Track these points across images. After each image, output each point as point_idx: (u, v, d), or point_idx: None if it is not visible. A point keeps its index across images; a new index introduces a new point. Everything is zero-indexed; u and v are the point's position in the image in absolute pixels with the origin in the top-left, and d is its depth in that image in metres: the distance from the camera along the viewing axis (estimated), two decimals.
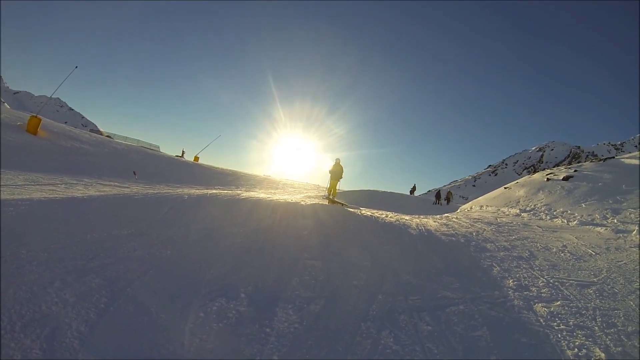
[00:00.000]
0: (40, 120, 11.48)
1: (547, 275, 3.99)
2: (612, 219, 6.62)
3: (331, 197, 10.59)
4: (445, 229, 6.39)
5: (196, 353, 2.32)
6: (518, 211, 8.81)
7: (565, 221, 7.17)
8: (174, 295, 2.92)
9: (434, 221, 7.47)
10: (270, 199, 6.79)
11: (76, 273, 2.94)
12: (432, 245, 5.22)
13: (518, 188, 10.90)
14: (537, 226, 6.82)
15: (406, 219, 7.20)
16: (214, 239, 4.21)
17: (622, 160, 10.88)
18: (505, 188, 11.92)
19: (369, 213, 7.26)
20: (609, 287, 3.61)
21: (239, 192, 8.24)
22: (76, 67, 13.50)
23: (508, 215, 8.81)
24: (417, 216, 8.95)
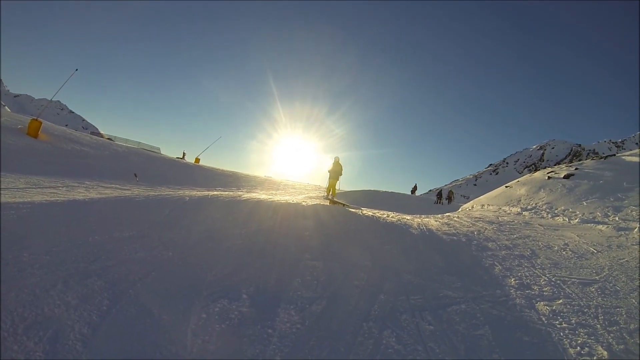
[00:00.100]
0: (40, 123, 11.50)
1: (548, 273, 3.99)
2: (614, 216, 6.61)
3: (330, 197, 10.37)
4: (447, 228, 6.39)
5: (198, 354, 2.32)
6: (519, 210, 8.80)
7: (567, 219, 7.16)
8: (176, 297, 2.93)
9: (436, 220, 7.46)
10: (271, 200, 6.80)
11: (78, 275, 2.95)
12: (433, 245, 5.22)
13: (519, 187, 10.89)
14: (539, 224, 6.81)
15: (407, 219, 7.20)
16: (215, 241, 4.21)
17: (623, 157, 10.86)
18: (506, 187, 11.91)
19: (370, 213, 7.26)
20: (611, 284, 3.60)
21: (239, 193, 8.25)
22: (76, 69, 13.55)
23: (509, 214, 8.81)
24: (418, 216, 8.95)
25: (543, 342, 2.66)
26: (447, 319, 2.96)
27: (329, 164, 10.68)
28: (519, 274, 4.01)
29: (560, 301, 3.27)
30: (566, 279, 3.80)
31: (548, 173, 11.24)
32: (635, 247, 4.81)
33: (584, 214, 7.16)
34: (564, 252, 4.76)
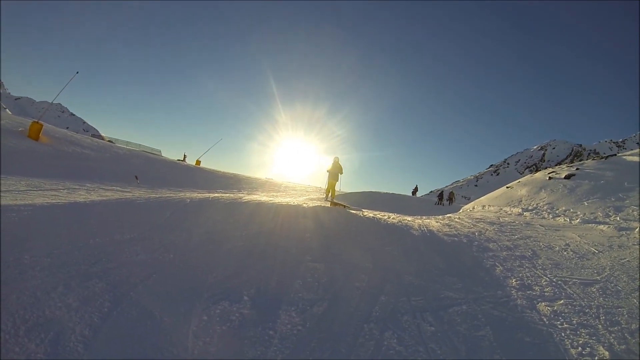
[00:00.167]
0: (41, 126, 11.55)
1: (550, 274, 3.98)
2: (615, 216, 6.59)
3: (330, 198, 10.00)
4: (448, 230, 6.38)
5: (200, 356, 2.32)
6: (520, 210, 8.79)
7: (568, 220, 7.15)
8: (177, 299, 2.93)
9: (436, 222, 7.46)
10: (272, 201, 6.81)
11: (79, 278, 2.96)
12: (434, 246, 5.22)
13: (520, 187, 10.88)
14: (540, 225, 6.80)
15: (408, 220, 7.19)
16: (216, 243, 4.22)
17: (624, 157, 10.85)
18: (507, 187, 11.90)
19: (371, 214, 7.26)
20: (612, 285, 3.59)
21: (240, 195, 8.25)
22: (77, 72, 13.61)
23: (510, 214, 8.80)
24: (419, 217, 8.94)
25: (544, 343, 2.65)
26: (448, 320, 2.95)
27: (328, 164, 10.16)
28: (520, 274, 4.00)
29: (562, 302, 3.26)
30: (567, 279, 3.80)
31: (549, 173, 11.23)
32: (637, 247, 4.80)
33: (585, 214, 7.15)
34: (565, 253, 4.75)
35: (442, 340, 2.66)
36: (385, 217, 7.09)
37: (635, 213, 6.45)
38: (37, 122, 11.50)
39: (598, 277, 3.80)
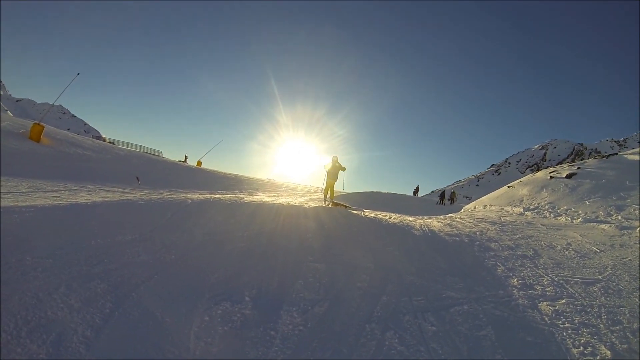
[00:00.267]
0: (43, 127, 11.58)
1: (551, 273, 3.98)
2: (616, 215, 6.58)
3: (329, 199, 9.70)
4: (449, 229, 6.38)
5: (201, 356, 2.33)
6: (522, 210, 8.77)
7: (569, 219, 7.14)
8: (179, 300, 2.94)
9: (438, 222, 7.45)
10: (273, 202, 6.81)
11: (81, 279, 2.96)
12: (435, 246, 5.21)
13: (521, 187, 10.86)
14: (541, 224, 6.78)
15: (410, 220, 7.19)
16: (218, 243, 4.22)
17: (625, 156, 10.82)
18: (508, 187, 11.88)
19: (372, 215, 7.26)
20: (614, 284, 3.58)
21: (241, 196, 8.27)
22: (78, 74, 13.63)
23: (512, 214, 8.78)
24: (420, 217, 8.93)
25: (546, 342, 2.65)
26: (450, 320, 2.95)
27: (327, 162, 9.63)
28: (522, 274, 3.99)
29: (563, 301, 3.25)
30: (569, 278, 3.79)
31: (550, 173, 11.21)
32: (638, 245, 4.78)
33: (586, 213, 7.13)
34: (566, 252, 4.74)
35: (443, 340, 2.66)
36: (387, 217, 7.09)
37: (637, 212, 6.43)
38: (39, 124, 11.53)
39: (600, 276, 3.79)
